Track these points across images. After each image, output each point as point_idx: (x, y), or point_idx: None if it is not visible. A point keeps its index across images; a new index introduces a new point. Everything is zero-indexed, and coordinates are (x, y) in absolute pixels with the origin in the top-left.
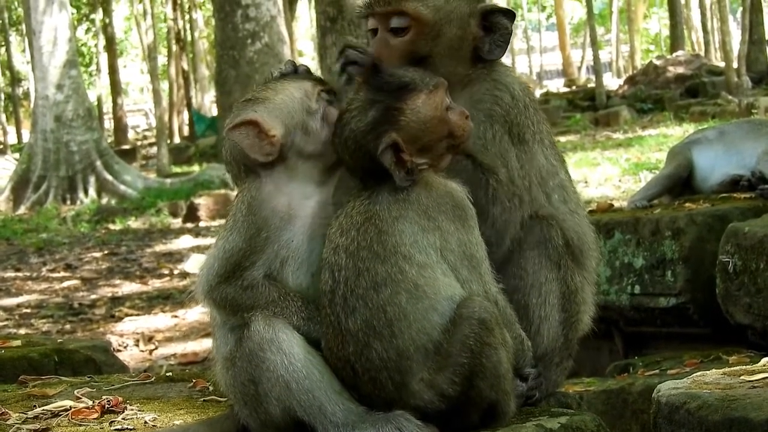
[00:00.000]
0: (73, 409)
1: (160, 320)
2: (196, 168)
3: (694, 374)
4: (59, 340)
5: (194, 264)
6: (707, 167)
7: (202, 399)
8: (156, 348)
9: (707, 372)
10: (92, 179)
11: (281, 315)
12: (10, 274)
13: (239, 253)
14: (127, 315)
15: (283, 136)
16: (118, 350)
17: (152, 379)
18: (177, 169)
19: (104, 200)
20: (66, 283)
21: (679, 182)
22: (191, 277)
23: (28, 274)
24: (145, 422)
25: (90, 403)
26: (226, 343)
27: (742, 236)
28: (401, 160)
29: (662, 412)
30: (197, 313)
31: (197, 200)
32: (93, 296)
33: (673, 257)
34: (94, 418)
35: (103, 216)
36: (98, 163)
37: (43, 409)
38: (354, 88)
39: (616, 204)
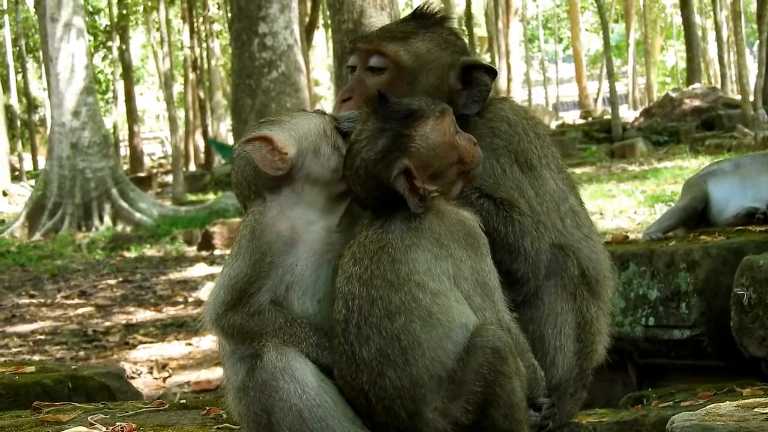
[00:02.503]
0: None
1: (174, 348)
2: (211, 196)
3: (708, 406)
4: (73, 367)
5: (208, 292)
6: (723, 200)
7: (215, 427)
8: (170, 376)
9: (721, 404)
10: (107, 206)
11: (290, 342)
12: (25, 300)
13: (244, 279)
14: (141, 342)
15: (295, 155)
16: (132, 377)
17: (166, 406)
18: (192, 197)
19: (119, 227)
20: (80, 310)
21: (695, 214)
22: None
23: (42, 300)
24: None
25: (103, 429)
26: (237, 372)
27: (757, 269)
28: (414, 186)
29: None
30: (210, 341)
31: (212, 228)
32: (107, 323)
33: (687, 289)
34: None
35: (118, 243)
36: (114, 190)
37: None
38: (361, 119)
39: (631, 236)
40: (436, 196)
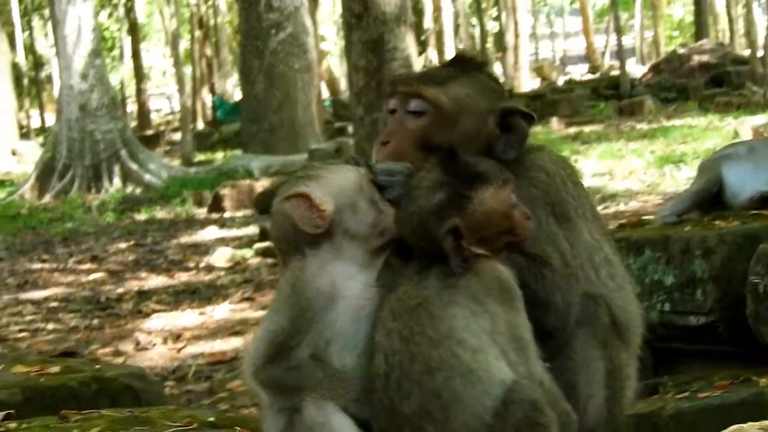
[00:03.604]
0: None
1: (187, 317)
2: (219, 155)
3: (731, 428)
4: (97, 366)
5: (219, 257)
6: (737, 183)
7: None
8: (184, 346)
9: (744, 426)
10: (117, 168)
11: (329, 397)
12: (37, 265)
13: (284, 333)
14: (154, 311)
15: (334, 212)
16: (146, 348)
17: (194, 426)
18: (201, 156)
19: (129, 189)
20: (92, 276)
21: (709, 198)
22: (216, 271)
23: (54, 265)
24: None
25: None
26: (276, 424)
27: None
28: (460, 246)
29: None
30: (224, 310)
31: (222, 191)
32: (120, 290)
33: (703, 276)
34: None
35: (128, 206)
36: (123, 152)
37: None
38: (427, 165)
39: (642, 198)
40: (479, 257)
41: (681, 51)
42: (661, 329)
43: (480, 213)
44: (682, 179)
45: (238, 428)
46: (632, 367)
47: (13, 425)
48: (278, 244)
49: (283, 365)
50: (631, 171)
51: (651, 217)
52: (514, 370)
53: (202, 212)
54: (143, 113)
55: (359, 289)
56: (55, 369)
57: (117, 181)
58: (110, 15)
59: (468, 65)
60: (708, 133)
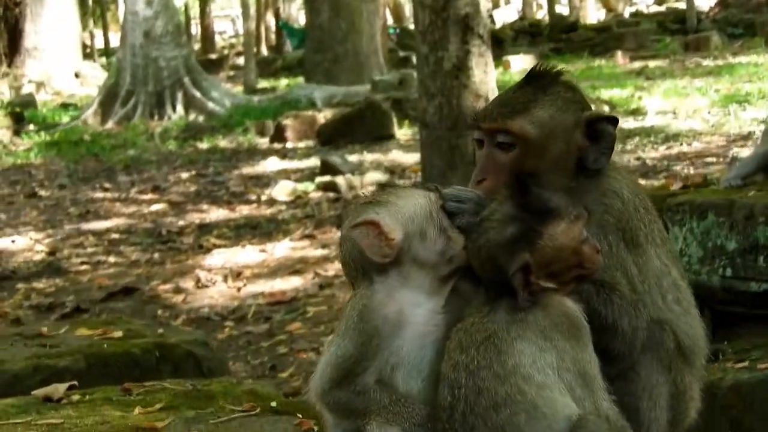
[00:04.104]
0: None
1: (248, 254)
2: (283, 81)
3: None
4: (159, 331)
5: (281, 191)
6: None
7: None
8: (244, 285)
9: None
10: (180, 95)
11: (394, 421)
12: (99, 194)
13: (351, 359)
14: (214, 246)
15: (402, 240)
16: (206, 286)
17: (257, 411)
18: (264, 83)
19: (191, 117)
20: (154, 207)
21: None
22: (278, 205)
23: (116, 195)
24: None
25: None
26: None
27: None
28: (529, 281)
29: None
30: (285, 248)
31: (285, 121)
32: (181, 222)
33: (766, 243)
34: None
35: (191, 134)
36: (186, 79)
37: None
38: (499, 197)
39: (705, 139)
40: (547, 292)
41: None
42: (722, 294)
43: (550, 248)
44: (746, 120)
45: (300, 416)
46: (696, 389)
47: (76, 397)
48: (346, 269)
49: (349, 390)
50: (695, 110)
51: (715, 165)
52: (580, 405)
53: (264, 142)
54: (207, 36)
55: (426, 316)
56: (118, 333)
57: (180, 109)
58: None
59: (545, 81)
60: None
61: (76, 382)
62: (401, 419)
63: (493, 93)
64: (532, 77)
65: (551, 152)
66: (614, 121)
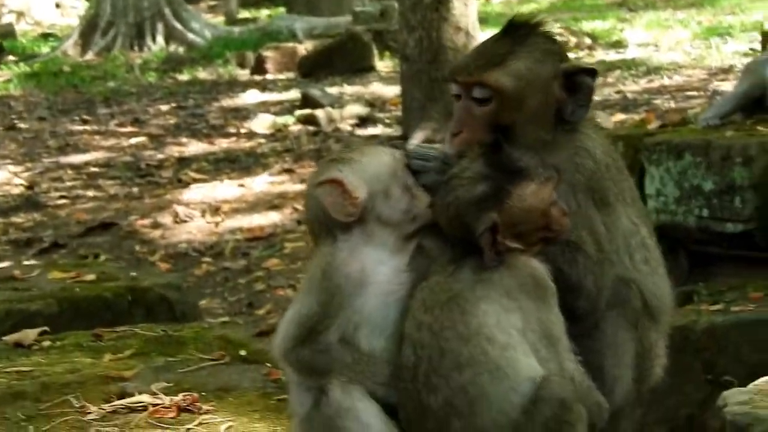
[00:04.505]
0: (150, 409)
1: (226, 189)
2: (264, 12)
3: (760, 381)
4: (132, 274)
5: (260, 124)
6: None
7: (276, 398)
8: (222, 220)
9: None
10: (160, 27)
11: (356, 380)
12: (78, 127)
13: (313, 318)
14: (193, 180)
15: (366, 199)
16: (185, 221)
17: (226, 360)
18: (245, 13)
19: (172, 48)
20: (133, 140)
21: (752, 101)
22: (257, 138)
23: (95, 127)
24: None
25: (167, 401)
26: (303, 403)
27: None
28: (495, 241)
29: (728, 430)
30: (263, 182)
31: (265, 53)
32: (160, 156)
33: (742, 184)
34: (171, 418)
35: (171, 65)
36: (167, 10)
37: (121, 404)
38: (470, 155)
39: (686, 72)
40: (513, 252)
41: None
42: (698, 234)
43: (519, 209)
44: (728, 53)
45: (269, 365)
46: (661, 346)
47: (47, 343)
48: (310, 227)
49: (312, 348)
50: (677, 42)
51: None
52: (545, 366)
53: (244, 74)
54: None
55: (389, 275)
56: (91, 276)
57: (160, 40)
58: None
59: (523, 31)
60: (757, 3)
61: (47, 328)
62: (363, 378)
63: (474, 26)
64: (510, 28)
65: (528, 105)
66: (593, 73)
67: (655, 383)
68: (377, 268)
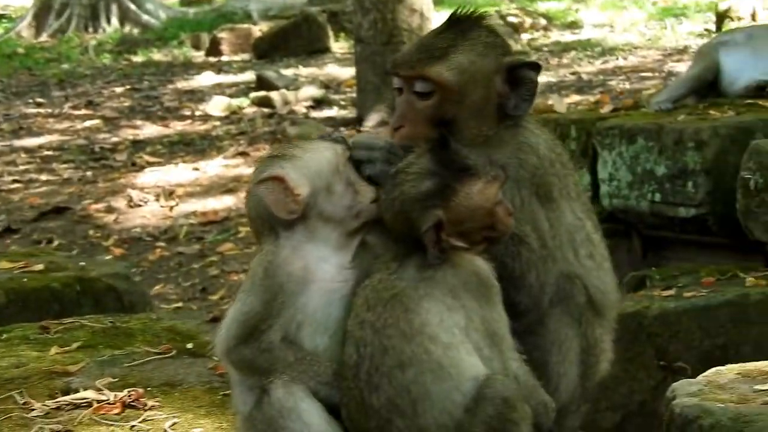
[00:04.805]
0: (95, 405)
1: (180, 172)
2: None
3: (710, 373)
4: (81, 264)
5: (215, 106)
6: (734, 71)
7: (222, 393)
8: (176, 204)
9: (722, 369)
10: (114, 7)
11: (299, 379)
12: (32, 110)
13: (256, 316)
14: (148, 163)
15: (309, 195)
16: (139, 205)
17: (173, 353)
18: None
19: (126, 29)
20: (87, 123)
21: (705, 84)
22: (212, 121)
23: (50, 110)
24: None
25: (111, 397)
26: (245, 402)
27: (764, 154)
28: (439, 238)
29: (675, 422)
30: (218, 166)
31: (220, 34)
32: (114, 139)
33: (695, 168)
34: (115, 414)
35: (126, 47)
36: None
37: (65, 401)
38: (417, 150)
39: (641, 53)
40: (456, 250)
41: None
42: (651, 218)
43: (465, 207)
44: (682, 33)
45: (216, 359)
46: (607, 341)
47: None
48: (252, 225)
49: (254, 347)
50: (632, 23)
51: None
52: (488, 365)
53: (199, 56)
54: None
55: (332, 272)
56: (39, 267)
57: (114, 21)
58: None
59: (465, 25)
60: None
61: None
62: (306, 377)
63: (428, 8)
64: (452, 21)
65: (471, 99)
66: (536, 67)
67: (602, 378)
68: (320, 266)
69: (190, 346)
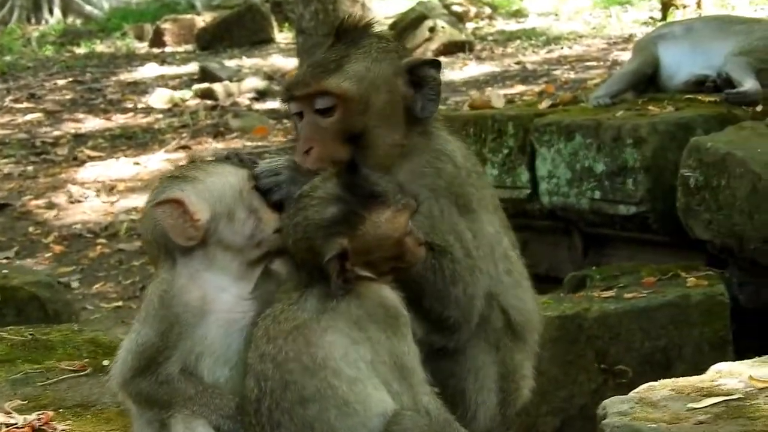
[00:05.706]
0: (3, 430)
1: (122, 167)
2: None
3: (642, 389)
4: (4, 271)
5: (158, 98)
6: (673, 65)
7: None
8: (117, 200)
9: (655, 385)
10: None
11: (200, 413)
12: None
13: (152, 348)
14: (89, 158)
15: (209, 221)
16: (79, 201)
17: (88, 371)
18: None
19: (69, 20)
20: (29, 116)
21: (644, 79)
22: (154, 114)
23: None
24: None
25: (20, 420)
26: None
27: (704, 152)
28: (343, 268)
29: None
30: (159, 160)
31: (163, 25)
32: (56, 132)
33: (634, 165)
34: None
35: (69, 38)
36: None
37: None
38: (324, 174)
39: (586, 42)
40: (361, 280)
41: None
42: (591, 216)
43: (372, 236)
44: (627, 22)
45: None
46: (528, 367)
47: None
48: (148, 249)
49: (152, 379)
50: (577, 11)
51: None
52: (397, 400)
53: (142, 47)
54: None
55: (231, 303)
56: None
57: (57, 12)
58: None
59: (354, 35)
60: None
61: None
62: (208, 411)
63: None
64: (340, 33)
65: (375, 106)
66: (436, 64)
67: (522, 405)
68: (219, 296)
69: (106, 363)
